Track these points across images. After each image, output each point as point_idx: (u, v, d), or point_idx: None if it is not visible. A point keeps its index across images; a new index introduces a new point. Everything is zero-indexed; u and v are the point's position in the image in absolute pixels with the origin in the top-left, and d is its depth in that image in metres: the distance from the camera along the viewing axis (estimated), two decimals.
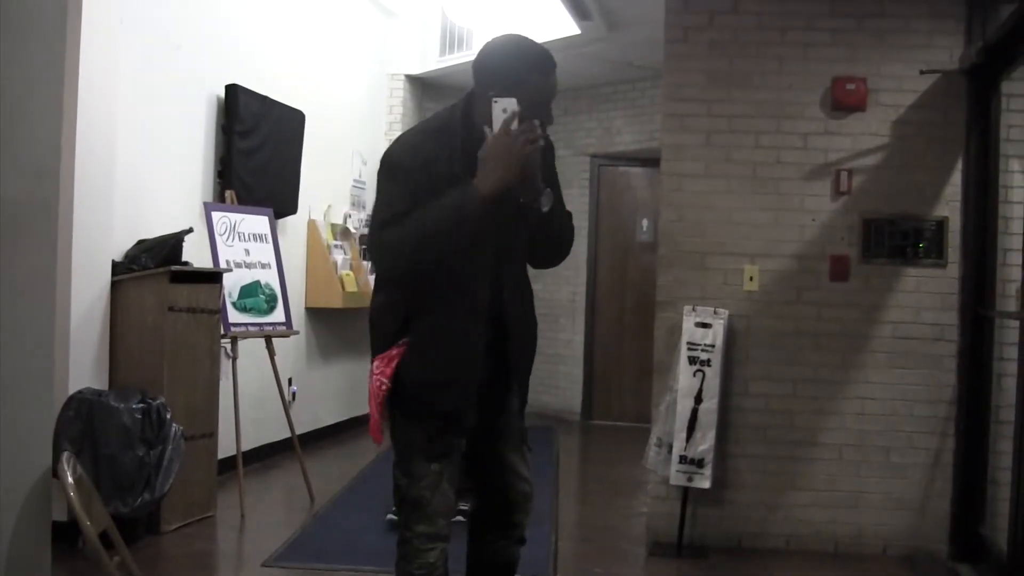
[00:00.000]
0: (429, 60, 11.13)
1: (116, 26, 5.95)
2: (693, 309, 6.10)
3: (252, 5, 8.20)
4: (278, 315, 7.29)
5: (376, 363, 3.36)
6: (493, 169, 3.13)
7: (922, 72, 6.09)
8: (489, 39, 3.36)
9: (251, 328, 7.03)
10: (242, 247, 7.10)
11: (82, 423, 5.35)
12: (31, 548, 4.67)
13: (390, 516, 6.15)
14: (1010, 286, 5.79)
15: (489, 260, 3.39)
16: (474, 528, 3.78)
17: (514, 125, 3.10)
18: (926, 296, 6.12)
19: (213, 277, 6.55)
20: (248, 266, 7.12)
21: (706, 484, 5.98)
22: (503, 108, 3.10)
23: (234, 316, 6.87)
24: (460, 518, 6.25)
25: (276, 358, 7.18)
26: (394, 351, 3.34)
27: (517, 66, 3.24)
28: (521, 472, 3.76)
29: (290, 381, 8.70)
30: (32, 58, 4.73)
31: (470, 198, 3.15)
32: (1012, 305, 5.69)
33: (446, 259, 3.24)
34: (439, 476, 3.47)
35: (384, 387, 3.33)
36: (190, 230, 6.43)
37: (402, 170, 3.28)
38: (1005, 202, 5.96)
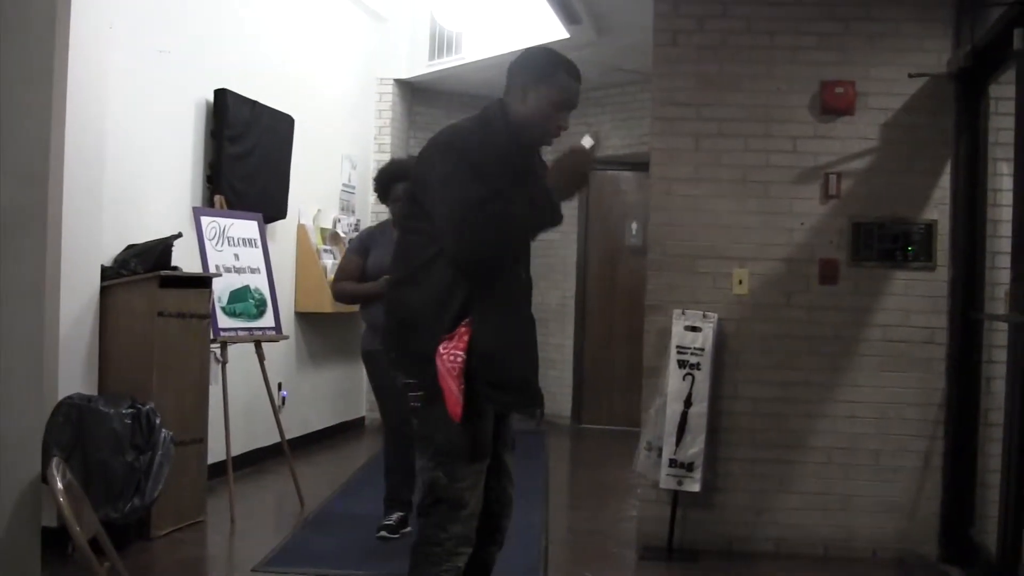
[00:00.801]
0: (418, 65, 11.13)
1: (105, 31, 5.95)
2: (682, 313, 6.11)
3: (241, 10, 8.19)
4: (267, 320, 7.29)
5: (444, 344, 3.43)
6: (571, 178, 3.56)
7: (911, 75, 6.10)
8: (528, 48, 3.83)
9: (241, 333, 7.02)
10: (231, 252, 7.09)
11: (72, 429, 5.35)
12: (21, 554, 4.65)
13: (383, 532, 6.15)
14: (999, 289, 5.81)
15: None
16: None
17: (586, 143, 3.62)
18: (915, 299, 6.14)
19: (203, 282, 6.54)
20: (238, 271, 7.12)
21: (696, 487, 5.98)
22: (584, 136, 3.66)
23: (224, 321, 6.87)
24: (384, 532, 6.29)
25: (266, 363, 7.18)
26: (461, 329, 3.45)
27: (553, 65, 3.68)
28: (512, 475, 3.79)
29: (280, 386, 8.69)
30: (21, 63, 4.72)
31: (548, 199, 3.51)
32: (1001, 308, 5.70)
33: (520, 246, 3.65)
34: (478, 477, 3.55)
35: (460, 359, 3.40)
36: (179, 235, 6.42)
37: (470, 158, 3.50)
38: (994, 205, 5.97)
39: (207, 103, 7.59)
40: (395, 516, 6.22)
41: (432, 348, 3.45)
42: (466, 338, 3.43)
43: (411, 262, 3.60)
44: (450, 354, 3.41)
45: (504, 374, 3.55)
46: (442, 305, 3.50)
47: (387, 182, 6.32)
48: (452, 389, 3.41)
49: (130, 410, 5.51)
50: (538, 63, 3.70)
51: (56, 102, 4.92)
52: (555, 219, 3.61)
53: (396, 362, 3.68)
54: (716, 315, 6.12)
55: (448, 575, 3.51)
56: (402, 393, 3.67)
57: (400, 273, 3.66)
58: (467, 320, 3.47)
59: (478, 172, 3.47)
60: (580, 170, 3.59)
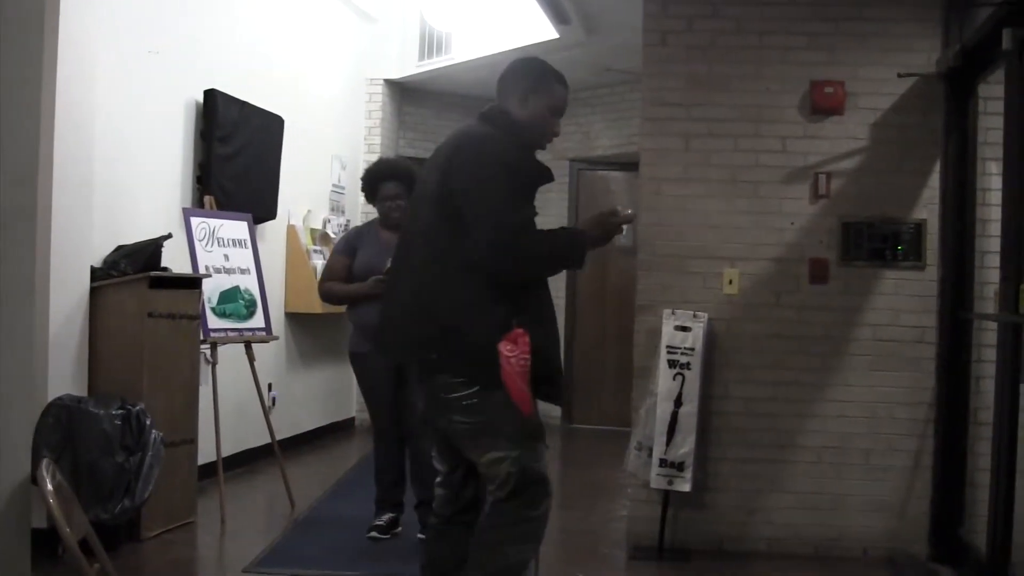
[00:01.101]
0: (408, 65, 11.12)
1: (94, 31, 5.93)
2: (673, 313, 6.11)
3: (230, 10, 8.19)
4: (257, 320, 7.28)
5: (507, 347, 3.61)
6: (599, 234, 3.91)
7: (900, 75, 6.11)
8: (521, 58, 4.18)
9: (230, 334, 7.01)
10: (221, 252, 7.09)
11: (62, 430, 5.34)
12: (10, 555, 4.65)
13: (373, 533, 6.15)
14: (988, 288, 5.82)
15: None
16: (471, 523, 3.99)
17: (620, 215, 3.95)
18: (905, 298, 6.15)
19: (192, 283, 6.54)
20: (227, 271, 7.11)
21: (686, 487, 5.98)
22: (618, 206, 4.07)
23: (213, 322, 6.86)
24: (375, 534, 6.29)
25: (256, 363, 7.17)
26: (518, 331, 3.64)
27: (547, 74, 4.03)
28: None
29: (270, 386, 8.68)
30: (10, 63, 4.72)
31: (583, 243, 3.86)
32: (990, 307, 5.71)
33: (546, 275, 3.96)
34: None
35: (528, 362, 3.63)
36: (169, 236, 6.41)
37: (515, 173, 3.77)
38: (983, 204, 5.98)
39: (196, 104, 7.58)
40: (386, 517, 6.21)
41: (488, 348, 3.62)
42: (526, 339, 3.63)
43: (445, 266, 3.73)
44: (518, 358, 3.61)
45: (548, 368, 3.79)
46: (488, 305, 3.68)
47: (374, 181, 6.32)
48: (523, 388, 3.63)
49: (120, 411, 5.50)
50: (534, 72, 4.03)
51: (45, 102, 4.91)
52: (581, 263, 3.93)
53: (438, 363, 3.77)
54: (706, 315, 6.12)
55: (537, 543, 3.85)
56: (441, 392, 3.79)
57: (429, 276, 3.77)
58: (516, 320, 3.66)
59: (513, 184, 3.73)
60: (612, 231, 3.95)
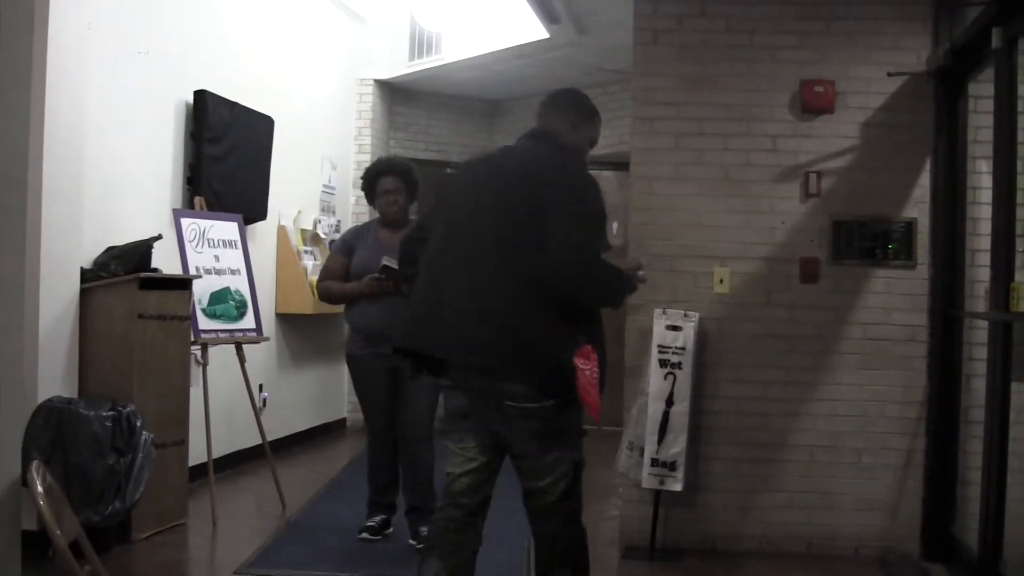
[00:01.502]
0: (398, 65, 11.12)
1: (84, 32, 5.91)
2: (663, 312, 6.10)
3: (221, 11, 8.17)
4: (248, 321, 7.27)
5: (580, 361, 3.86)
6: (632, 284, 4.23)
7: (890, 74, 6.12)
8: (566, 88, 4.48)
9: (221, 335, 7.00)
10: (211, 253, 7.07)
11: (52, 431, 5.32)
12: (0, 557, 4.64)
13: (365, 534, 6.15)
14: (979, 287, 5.83)
15: None
16: (486, 515, 4.15)
17: (640, 274, 4.32)
18: (896, 297, 6.15)
19: (183, 284, 6.52)
20: (218, 272, 7.09)
21: (678, 487, 5.98)
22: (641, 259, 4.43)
23: (204, 323, 6.84)
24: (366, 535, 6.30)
25: (247, 364, 7.16)
26: (588, 347, 3.89)
27: (591, 108, 4.34)
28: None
29: (261, 387, 8.67)
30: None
31: (628, 286, 4.19)
32: (981, 306, 5.72)
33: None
34: None
35: (599, 374, 3.90)
36: (159, 237, 6.39)
37: (597, 199, 4.02)
38: (973, 203, 5.98)
39: (187, 104, 7.56)
40: (378, 518, 6.21)
41: (566, 362, 3.84)
42: (595, 354, 3.89)
43: (520, 279, 3.86)
44: (592, 370, 3.87)
45: (603, 379, 3.97)
46: (563, 322, 3.88)
47: (373, 178, 6.34)
48: (595, 398, 3.89)
49: (110, 412, 5.49)
50: (584, 104, 4.33)
51: (35, 104, 4.90)
52: (621, 303, 4.27)
53: (508, 373, 3.89)
54: (697, 314, 6.12)
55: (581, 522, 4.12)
56: (510, 400, 3.91)
57: (501, 286, 3.88)
58: (583, 335, 3.90)
59: (596, 210, 4.00)
60: (634, 286, 4.28)
